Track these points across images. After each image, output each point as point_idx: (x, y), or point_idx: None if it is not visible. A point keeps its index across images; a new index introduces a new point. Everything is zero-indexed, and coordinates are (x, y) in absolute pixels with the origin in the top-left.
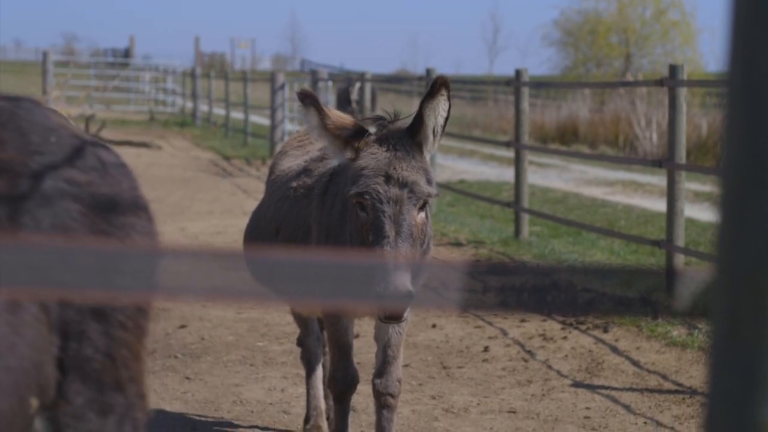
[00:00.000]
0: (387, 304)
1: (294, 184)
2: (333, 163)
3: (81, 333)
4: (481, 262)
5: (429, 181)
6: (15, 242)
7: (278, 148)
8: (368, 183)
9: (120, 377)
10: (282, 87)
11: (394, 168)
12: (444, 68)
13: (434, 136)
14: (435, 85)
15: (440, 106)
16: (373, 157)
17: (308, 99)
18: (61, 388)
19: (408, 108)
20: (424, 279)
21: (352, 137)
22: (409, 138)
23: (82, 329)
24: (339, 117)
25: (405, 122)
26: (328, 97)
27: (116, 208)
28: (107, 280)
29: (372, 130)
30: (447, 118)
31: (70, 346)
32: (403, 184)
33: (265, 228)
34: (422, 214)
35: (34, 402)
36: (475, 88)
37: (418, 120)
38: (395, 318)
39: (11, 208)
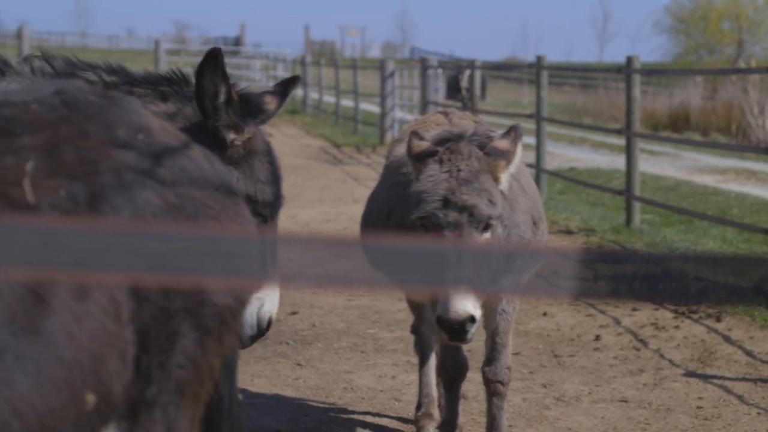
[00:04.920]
0: (448, 328)
1: (405, 170)
2: None
3: (172, 334)
4: (592, 251)
5: (491, 203)
6: (93, 224)
7: (388, 135)
8: (427, 208)
9: (192, 392)
10: (392, 75)
11: (453, 191)
12: (554, 55)
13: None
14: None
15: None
16: (431, 180)
17: (410, 134)
18: (145, 394)
19: (518, 96)
20: (532, 271)
21: (421, 160)
22: (479, 158)
23: (173, 330)
24: (420, 143)
25: (476, 139)
26: (438, 85)
27: (199, 213)
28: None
29: (440, 149)
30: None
31: (153, 347)
32: (461, 208)
33: (377, 213)
34: (486, 236)
35: (90, 398)
36: (585, 75)
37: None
38: (458, 340)
39: (91, 194)
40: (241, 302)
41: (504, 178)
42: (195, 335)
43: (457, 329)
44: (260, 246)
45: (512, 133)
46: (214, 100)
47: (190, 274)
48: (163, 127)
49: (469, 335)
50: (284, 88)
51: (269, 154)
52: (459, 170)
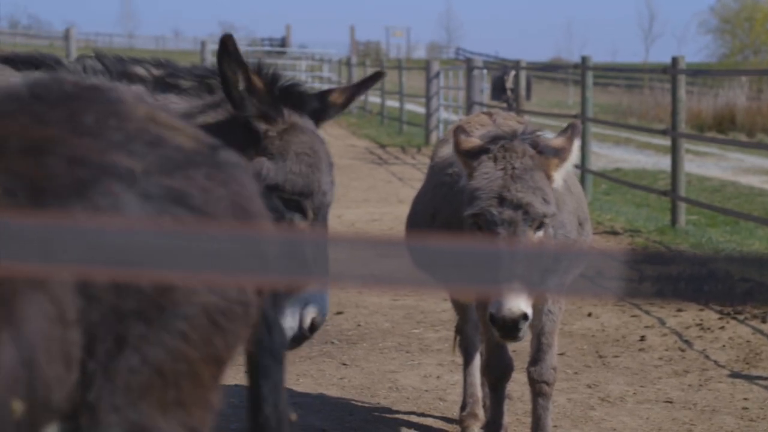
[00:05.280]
0: (501, 326)
1: (450, 171)
2: None
3: (120, 338)
4: (637, 251)
5: (546, 201)
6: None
7: (433, 136)
8: (481, 205)
9: (166, 398)
10: (437, 75)
11: (508, 189)
12: (599, 56)
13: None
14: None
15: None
16: (486, 177)
17: (456, 129)
18: (87, 397)
19: (563, 97)
20: (576, 271)
21: (472, 157)
22: (533, 156)
23: (122, 333)
24: (469, 139)
25: (529, 138)
26: (483, 86)
27: (178, 204)
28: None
29: (492, 147)
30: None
31: (100, 350)
32: (517, 206)
33: (422, 214)
34: (539, 234)
35: (17, 405)
36: (630, 75)
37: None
38: (510, 338)
39: (34, 188)
40: (238, 301)
41: (557, 176)
42: (157, 337)
43: (510, 327)
44: (264, 242)
45: (569, 130)
46: (238, 89)
47: (150, 270)
48: (152, 115)
49: (521, 333)
50: (361, 82)
51: (310, 146)
52: (514, 168)
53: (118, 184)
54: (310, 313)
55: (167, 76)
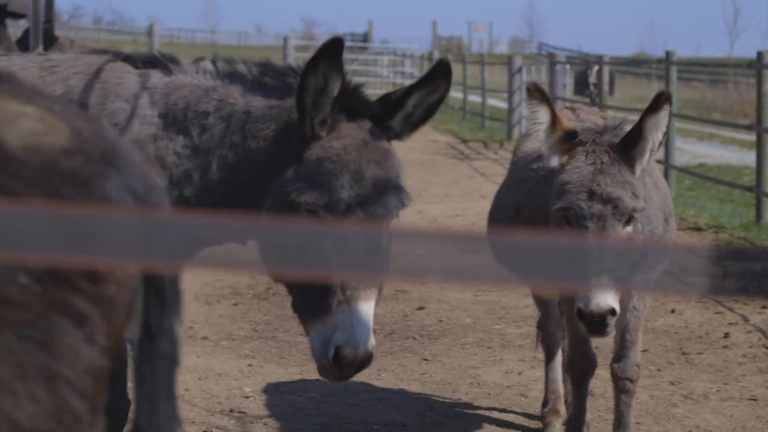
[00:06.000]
0: (588, 320)
1: (535, 165)
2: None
3: None
4: (721, 247)
5: (635, 195)
6: None
7: (516, 131)
8: (571, 199)
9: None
10: (519, 70)
11: (598, 183)
12: (683, 51)
13: (651, 152)
14: (659, 100)
15: (662, 122)
16: (577, 171)
17: (540, 94)
18: None
19: (647, 92)
20: (661, 267)
21: (570, 142)
22: (619, 150)
23: None
24: (566, 120)
25: (617, 133)
26: (566, 81)
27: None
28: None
29: (586, 140)
30: (665, 133)
31: None
32: (606, 200)
33: (505, 209)
34: (628, 229)
35: None
36: (714, 70)
37: (637, 134)
38: (597, 333)
39: None
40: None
41: (638, 168)
42: None
43: (598, 322)
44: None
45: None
46: (320, 96)
47: None
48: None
49: (609, 328)
50: (423, 76)
51: (336, 153)
52: (602, 162)
53: None
54: (335, 342)
55: (259, 75)
